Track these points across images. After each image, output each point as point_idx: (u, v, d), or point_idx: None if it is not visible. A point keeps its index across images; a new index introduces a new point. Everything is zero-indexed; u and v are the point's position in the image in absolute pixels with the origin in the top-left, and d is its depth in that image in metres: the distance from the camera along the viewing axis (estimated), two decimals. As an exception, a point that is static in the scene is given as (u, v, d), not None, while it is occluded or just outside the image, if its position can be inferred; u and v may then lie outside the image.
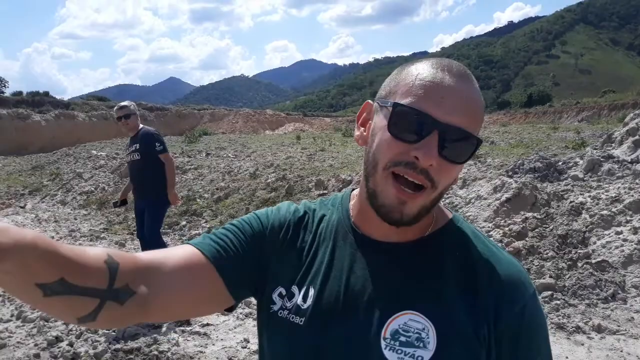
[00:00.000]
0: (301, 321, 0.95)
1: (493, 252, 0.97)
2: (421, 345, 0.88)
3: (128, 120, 5.73)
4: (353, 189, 1.10)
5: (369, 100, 1.02)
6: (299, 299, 0.97)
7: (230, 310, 1.05)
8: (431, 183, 0.88)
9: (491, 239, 6.32)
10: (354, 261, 0.99)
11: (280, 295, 1.00)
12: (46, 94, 42.85)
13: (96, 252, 0.82)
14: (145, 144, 5.71)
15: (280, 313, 0.98)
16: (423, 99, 0.87)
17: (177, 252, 0.97)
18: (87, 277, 0.78)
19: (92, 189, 12.98)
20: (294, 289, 0.99)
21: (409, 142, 0.87)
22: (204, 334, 4.79)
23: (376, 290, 0.94)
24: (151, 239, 5.72)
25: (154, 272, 0.90)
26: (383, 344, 0.89)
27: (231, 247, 1.00)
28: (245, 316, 5.13)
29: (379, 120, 0.93)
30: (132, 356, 4.37)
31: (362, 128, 1.01)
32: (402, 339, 0.89)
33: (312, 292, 0.97)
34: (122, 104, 5.84)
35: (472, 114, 0.89)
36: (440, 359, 0.88)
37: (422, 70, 0.91)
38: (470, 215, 7.16)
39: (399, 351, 0.88)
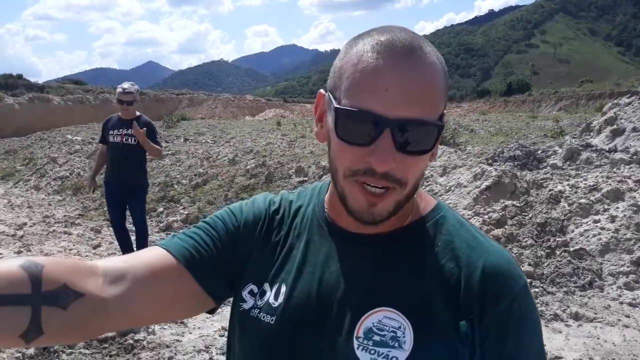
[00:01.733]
0: (272, 320, 0.89)
1: (479, 242, 0.89)
2: (396, 344, 0.81)
3: (130, 106, 5.59)
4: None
5: (322, 90, 0.91)
6: (270, 297, 0.92)
7: (211, 312, 1.01)
8: (397, 183, 0.80)
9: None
10: (328, 256, 0.92)
11: (251, 293, 0.94)
12: (20, 76, 41.80)
13: (11, 261, 0.76)
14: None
15: (252, 312, 0.92)
16: (365, 96, 0.77)
17: (144, 254, 0.91)
18: (6, 287, 0.73)
19: (67, 174, 12.71)
20: (266, 286, 0.93)
21: (362, 145, 0.78)
22: (180, 323, 4.72)
23: (351, 285, 0.88)
24: (143, 224, 5.93)
25: (115, 275, 0.85)
26: (356, 343, 0.83)
27: (204, 246, 0.94)
28: (223, 304, 5.06)
29: (330, 121, 0.84)
30: (106, 345, 4.28)
31: (320, 123, 0.92)
32: (376, 338, 0.82)
33: (284, 289, 0.91)
34: (128, 88, 5.58)
35: (426, 98, 0.78)
36: (416, 359, 0.81)
37: (362, 56, 0.79)
38: (450, 203, 7.16)
39: (372, 351, 0.82)
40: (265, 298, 0.92)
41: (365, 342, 0.83)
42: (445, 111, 0.84)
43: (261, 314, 0.91)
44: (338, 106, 0.80)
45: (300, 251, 0.95)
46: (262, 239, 0.98)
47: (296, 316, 0.88)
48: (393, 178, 0.79)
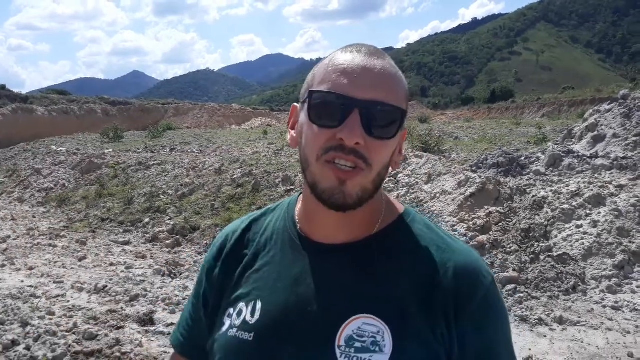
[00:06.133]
0: (250, 336, 0.92)
1: (447, 244, 0.94)
2: (377, 349, 0.85)
3: None
4: (300, 193, 1.06)
5: (295, 104, 1.00)
6: (247, 314, 0.94)
7: None
8: (364, 162, 0.86)
9: (448, 231, 6.40)
10: (302, 269, 0.95)
11: (228, 315, 0.97)
12: (2, 87, 41.38)
13: None
14: None
15: (230, 332, 0.95)
16: (337, 82, 0.87)
17: None
18: None
19: (52, 185, 12.59)
20: (242, 305, 0.96)
21: (333, 127, 0.86)
22: (168, 334, 4.69)
23: (327, 296, 0.91)
24: None
25: None
26: (338, 352, 0.86)
27: (192, 320, 1.09)
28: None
29: (303, 116, 0.92)
30: (93, 359, 4.24)
31: (293, 131, 1.00)
32: (357, 344, 0.86)
33: (259, 305, 0.94)
34: None
35: (389, 87, 0.88)
36: None
37: (334, 57, 0.91)
38: (435, 210, 7.23)
39: (355, 358, 0.85)
40: (242, 316, 0.95)
41: (347, 350, 0.86)
42: (405, 124, 0.93)
43: (239, 332, 0.93)
44: (312, 89, 0.89)
45: (274, 267, 0.98)
46: (227, 268, 1.03)
47: (275, 330, 0.91)
48: (360, 154, 0.86)
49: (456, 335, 0.87)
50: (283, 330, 0.90)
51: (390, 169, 0.95)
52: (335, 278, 0.92)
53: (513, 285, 5.46)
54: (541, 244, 6.11)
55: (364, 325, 0.87)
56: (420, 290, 0.89)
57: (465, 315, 0.87)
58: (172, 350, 1.18)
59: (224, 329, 0.96)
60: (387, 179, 8.26)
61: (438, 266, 0.90)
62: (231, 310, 0.97)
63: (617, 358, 4.24)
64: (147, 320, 4.93)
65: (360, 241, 0.94)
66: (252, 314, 0.94)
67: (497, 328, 0.91)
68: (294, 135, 0.98)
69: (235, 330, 0.94)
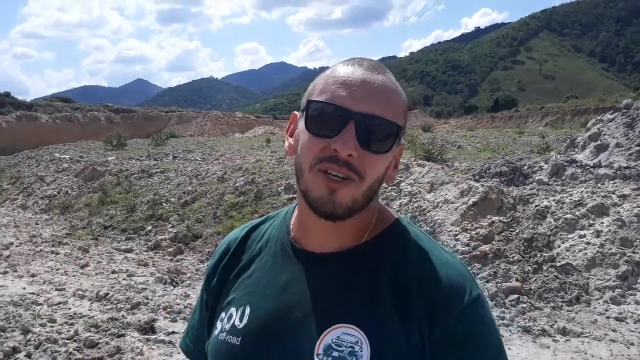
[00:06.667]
0: (238, 341, 0.94)
1: (433, 255, 0.93)
2: (354, 359, 0.86)
3: None
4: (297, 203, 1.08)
5: (296, 112, 1.01)
6: (236, 319, 0.97)
7: None
8: (356, 175, 0.87)
9: (450, 240, 6.41)
10: (291, 277, 0.97)
11: (221, 319, 1.00)
12: (7, 94, 41.68)
13: None
14: None
15: (220, 336, 0.98)
16: (336, 93, 0.88)
17: None
18: None
19: (55, 192, 12.61)
20: (232, 310, 0.99)
21: (328, 137, 0.87)
22: (169, 342, 4.68)
23: (312, 304, 0.92)
24: None
25: None
26: None
27: (197, 327, 1.11)
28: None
29: (300, 125, 0.93)
30: (94, 366, 4.23)
31: (291, 138, 1.00)
32: (335, 354, 0.87)
33: (248, 311, 0.97)
34: None
35: (387, 102, 0.89)
36: None
37: (335, 69, 0.93)
38: (437, 219, 7.21)
39: None
40: (232, 321, 0.97)
41: (325, 358, 0.87)
42: (403, 140, 0.94)
43: (228, 336, 0.96)
44: (310, 99, 0.91)
45: (264, 274, 1.00)
46: (225, 275, 1.06)
47: (260, 336, 0.93)
48: (353, 168, 0.86)
49: (429, 348, 0.87)
50: (267, 336, 0.92)
51: (385, 183, 0.95)
52: (320, 286, 0.94)
53: (516, 296, 5.43)
54: (544, 254, 6.08)
55: (343, 334, 0.88)
56: (400, 300, 0.89)
57: (437, 333, 0.86)
58: (172, 359, 1.18)
59: (216, 332, 0.99)
60: (390, 188, 8.25)
61: (418, 278, 0.90)
62: (223, 314, 1.00)
63: (620, 369, 4.21)
64: (148, 329, 4.92)
65: (348, 250, 0.95)
66: (241, 318, 0.96)
67: (475, 350, 0.87)
68: (292, 142, 0.99)
69: (224, 334, 0.96)
